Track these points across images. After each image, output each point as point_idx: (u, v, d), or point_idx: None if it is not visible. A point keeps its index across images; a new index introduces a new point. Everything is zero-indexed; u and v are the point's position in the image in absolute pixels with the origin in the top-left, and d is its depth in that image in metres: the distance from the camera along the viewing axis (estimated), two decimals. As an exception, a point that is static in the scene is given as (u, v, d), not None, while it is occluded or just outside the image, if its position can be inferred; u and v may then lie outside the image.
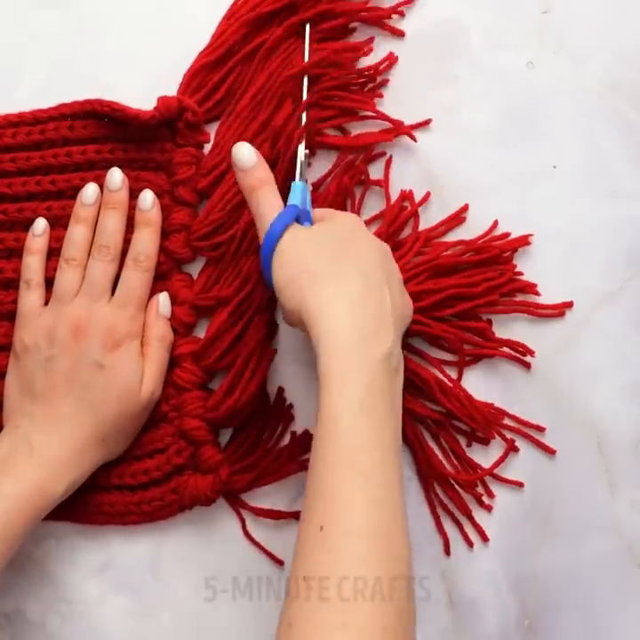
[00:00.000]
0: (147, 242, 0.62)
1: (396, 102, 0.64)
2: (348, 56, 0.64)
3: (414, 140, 0.64)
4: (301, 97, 0.63)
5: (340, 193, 0.63)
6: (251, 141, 0.59)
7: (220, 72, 0.64)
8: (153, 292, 0.62)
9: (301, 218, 0.58)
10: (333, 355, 0.51)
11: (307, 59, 0.63)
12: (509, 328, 0.63)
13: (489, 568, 0.62)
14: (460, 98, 0.65)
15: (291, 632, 0.47)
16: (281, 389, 0.63)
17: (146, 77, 0.65)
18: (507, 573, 0.62)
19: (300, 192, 0.59)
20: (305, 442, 0.62)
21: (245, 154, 0.57)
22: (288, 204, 0.58)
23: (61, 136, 0.63)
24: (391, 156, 0.64)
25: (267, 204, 0.56)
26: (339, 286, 0.53)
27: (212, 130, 0.64)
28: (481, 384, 0.63)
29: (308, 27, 0.63)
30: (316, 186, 0.64)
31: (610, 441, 0.63)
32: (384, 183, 0.64)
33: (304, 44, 0.63)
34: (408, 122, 0.64)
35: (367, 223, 0.63)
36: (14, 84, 0.65)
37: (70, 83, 0.64)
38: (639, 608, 0.62)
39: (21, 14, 0.66)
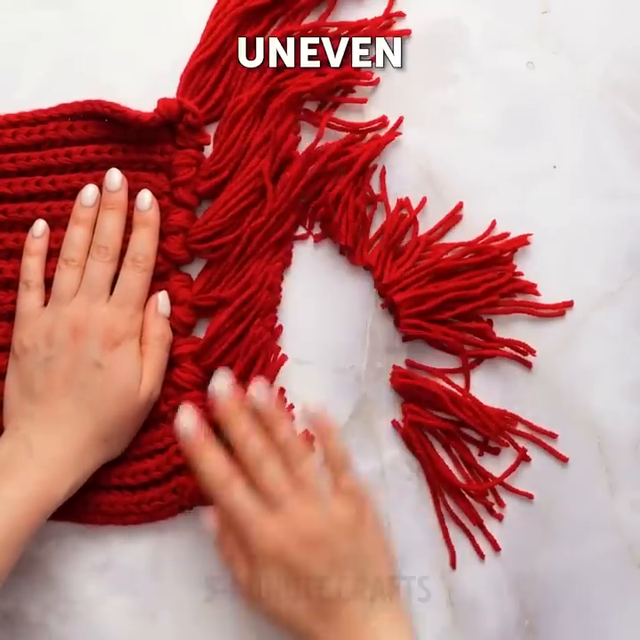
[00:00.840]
0: (145, 242, 0.61)
1: (396, 102, 0.64)
2: (351, 82, 0.64)
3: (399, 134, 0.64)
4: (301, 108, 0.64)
5: (358, 218, 0.63)
6: (252, 154, 0.62)
7: (216, 70, 0.64)
8: (151, 292, 0.62)
9: None
10: None
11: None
12: (510, 328, 0.63)
13: (489, 568, 0.62)
14: (460, 98, 0.65)
15: None
16: (282, 390, 0.63)
17: (146, 77, 0.65)
18: (507, 573, 0.62)
19: None
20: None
21: None
22: None
23: (61, 136, 0.63)
24: (384, 167, 0.64)
25: None
26: None
27: (212, 130, 0.64)
28: (482, 385, 0.63)
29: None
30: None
31: (610, 441, 0.63)
32: (382, 196, 0.64)
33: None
34: (408, 121, 0.64)
35: (372, 238, 0.63)
36: (14, 84, 0.65)
37: (70, 83, 0.64)
38: (639, 608, 0.62)
39: (21, 14, 0.66)
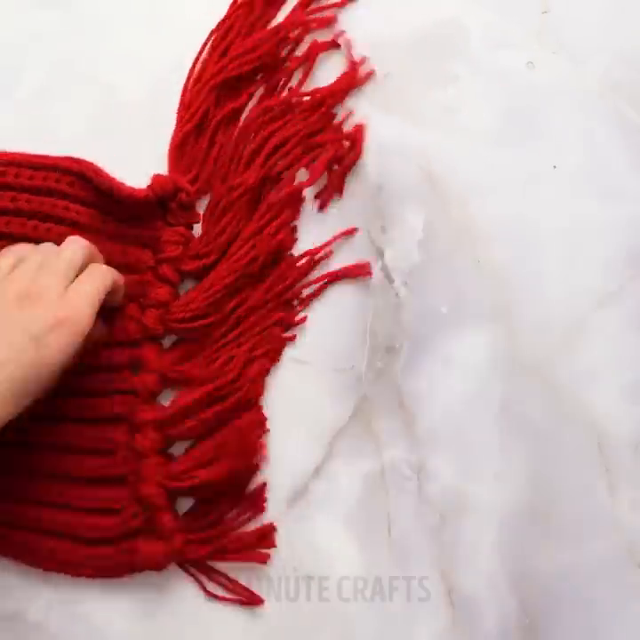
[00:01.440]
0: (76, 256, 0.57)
1: (396, 102, 0.64)
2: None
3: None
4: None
5: None
6: (242, 244, 0.61)
7: (203, 141, 0.63)
8: (124, 359, 0.61)
9: None
10: None
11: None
12: (513, 331, 0.63)
13: (489, 568, 0.62)
14: (460, 98, 0.65)
15: None
16: (263, 485, 0.61)
17: (146, 78, 0.65)
18: (507, 573, 0.62)
19: None
20: (267, 535, 0.61)
21: None
22: None
23: (61, 190, 0.61)
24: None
25: None
26: None
27: (201, 204, 0.64)
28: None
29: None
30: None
31: (610, 441, 0.63)
32: None
33: None
34: (408, 122, 0.64)
35: None
36: (14, 83, 0.66)
37: (70, 83, 0.65)
38: (639, 608, 0.62)
39: (21, 14, 0.66)
